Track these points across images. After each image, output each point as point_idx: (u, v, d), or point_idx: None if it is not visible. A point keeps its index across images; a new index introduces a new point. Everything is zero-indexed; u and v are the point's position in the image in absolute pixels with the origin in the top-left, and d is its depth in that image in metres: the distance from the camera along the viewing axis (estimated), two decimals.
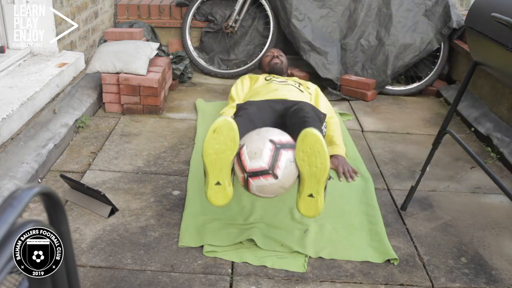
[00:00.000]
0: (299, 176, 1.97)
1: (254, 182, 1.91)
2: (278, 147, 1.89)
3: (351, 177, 2.74)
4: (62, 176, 2.51)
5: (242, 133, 2.16)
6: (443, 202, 2.64)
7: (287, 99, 2.84)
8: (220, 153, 1.87)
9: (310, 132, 1.83)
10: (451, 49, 4.14)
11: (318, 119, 2.50)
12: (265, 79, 3.36)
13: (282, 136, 1.95)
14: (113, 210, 2.37)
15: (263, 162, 1.87)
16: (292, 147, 1.95)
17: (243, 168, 1.92)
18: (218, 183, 1.90)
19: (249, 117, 2.42)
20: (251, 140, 1.91)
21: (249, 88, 3.39)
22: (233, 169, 1.95)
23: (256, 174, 1.88)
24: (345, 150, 2.95)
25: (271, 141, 1.90)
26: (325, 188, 1.95)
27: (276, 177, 1.87)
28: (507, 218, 2.52)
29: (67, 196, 2.48)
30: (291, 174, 1.93)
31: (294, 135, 2.19)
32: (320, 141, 1.83)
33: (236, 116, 2.46)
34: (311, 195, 1.92)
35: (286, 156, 1.89)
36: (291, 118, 2.48)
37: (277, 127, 2.55)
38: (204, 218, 2.35)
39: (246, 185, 1.96)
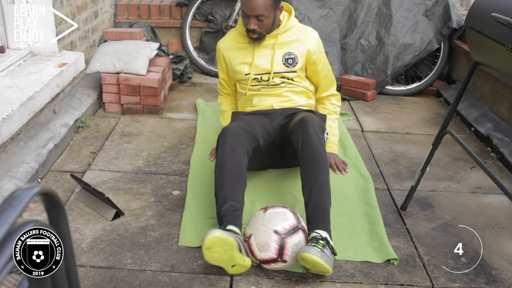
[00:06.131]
0: None
1: (266, 267, 2.07)
2: (283, 237, 2.02)
3: (344, 170, 2.80)
4: (73, 176, 2.51)
5: (245, 143, 2.32)
6: (443, 202, 2.64)
7: (284, 108, 2.69)
8: (222, 255, 1.97)
9: (309, 258, 1.93)
10: (451, 49, 4.14)
11: (321, 129, 2.43)
12: (251, 86, 2.72)
13: (285, 222, 2.06)
14: (118, 214, 2.36)
15: (271, 253, 2.01)
16: (296, 229, 2.05)
17: (254, 257, 2.06)
18: (233, 266, 2.00)
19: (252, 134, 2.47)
20: (257, 232, 2.05)
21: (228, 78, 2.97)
22: (240, 250, 2.05)
23: (267, 262, 2.03)
24: (338, 145, 2.91)
25: (275, 232, 2.02)
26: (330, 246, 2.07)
27: (285, 261, 2.02)
28: (507, 218, 2.52)
29: (78, 196, 2.49)
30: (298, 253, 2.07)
31: (300, 153, 2.33)
32: (320, 263, 1.93)
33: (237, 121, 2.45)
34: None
35: (291, 243, 2.02)
36: (292, 133, 2.46)
37: (277, 140, 2.61)
38: (204, 218, 2.36)
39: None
